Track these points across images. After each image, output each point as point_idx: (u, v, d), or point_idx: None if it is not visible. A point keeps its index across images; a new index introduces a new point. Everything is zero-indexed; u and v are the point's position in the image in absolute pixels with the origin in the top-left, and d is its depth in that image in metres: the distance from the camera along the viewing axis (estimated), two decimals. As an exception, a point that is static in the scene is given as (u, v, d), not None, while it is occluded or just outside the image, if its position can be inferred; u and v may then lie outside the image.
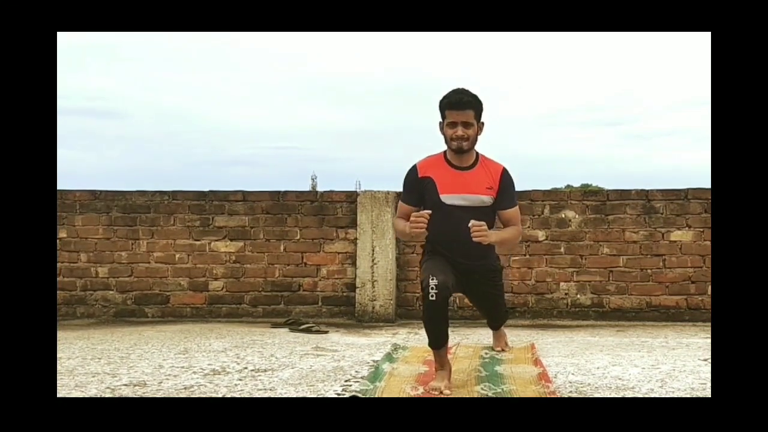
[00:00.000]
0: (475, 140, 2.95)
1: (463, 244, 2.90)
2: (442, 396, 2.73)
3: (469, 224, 2.82)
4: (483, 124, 2.97)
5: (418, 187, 3.01)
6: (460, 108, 2.88)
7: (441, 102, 2.95)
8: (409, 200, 3.06)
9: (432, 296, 2.76)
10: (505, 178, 3.01)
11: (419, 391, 2.80)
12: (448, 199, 2.95)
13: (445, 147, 3.03)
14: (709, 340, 4.18)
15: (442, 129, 2.97)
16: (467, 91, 2.93)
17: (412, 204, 3.05)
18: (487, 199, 2.97)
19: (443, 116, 2.95)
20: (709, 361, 3.48)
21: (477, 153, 3.02)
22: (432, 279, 2.77)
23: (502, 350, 3.68)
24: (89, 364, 3.46)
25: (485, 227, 2.84)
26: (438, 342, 2.89)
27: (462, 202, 2.95)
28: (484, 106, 2.96)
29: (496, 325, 3.72)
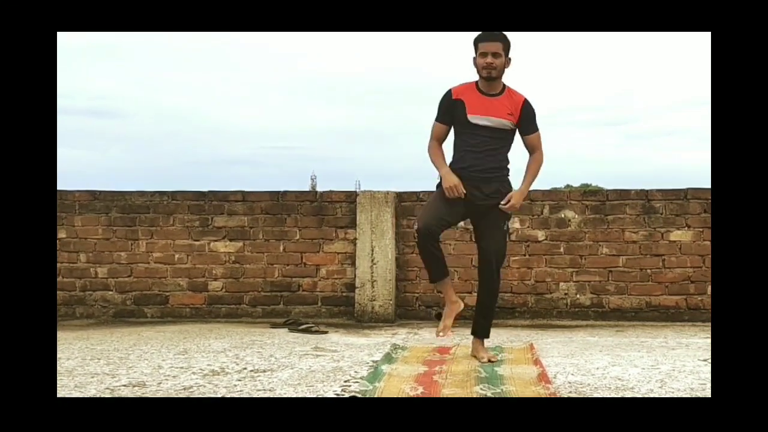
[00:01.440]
0: (503, 71, 3.38)
1: (482, 161, 3.38)
2: (446, 334, 3.46)
3: (503, 202, 3.39)
4: (510, 59, 3.39)
5: (451, 108, 3.43)
6: (491, 39, 3.32)
7: (475, 38, 3.36)
8: (443, 120, 3.48)
9: (416, 238, 3.43)
10: (526, 107, 3.41)
11: (418, 392, 2.79)
12: (474, 119, 3.37)
13: (476, 77, 3.43)
14: (709, 341, 4.18)
15: (474, 62, 3.39)
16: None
17: (446, 123, 3.47)
18: (507, 123, 3.39)
19: (476, 49, 3.36)
20: (709, 361, 3.48)
21: (504, 84, 3.43)
22: (415, 225, 3.45)
23: (490, 360, 3.41)
24: (89, 364, 3.45)
25: (513, 205, 3.42)
26: (433, 275, 3.48)
27: (486, 122, 3.38)
28: (511, 45, 3.38)
29: (483, 293, 3.51)
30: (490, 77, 3.35)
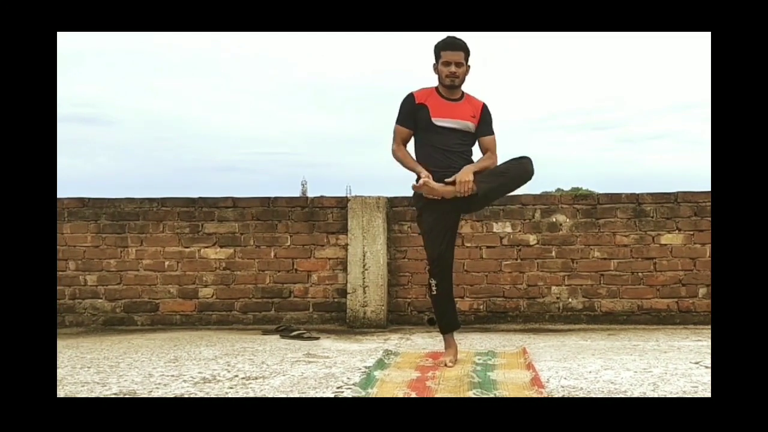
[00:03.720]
0: (464, 79, 3.49)
1: (449, 159, 3.43)
2: (448, 367, 3.37)
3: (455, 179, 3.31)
4: (469, 66, 3.50)
5: (414, 112, 3.48)
6: (454, 49, 3.43)
7: (437, 45, 3.46)
8: (407, 123, 3.52)
9: (434, 291, 3.51)
10: (485, 111, 3.54)
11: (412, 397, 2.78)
12: (438, 121, 3.46)
13: (435, 83, 3.52)
14: (701, 343, 4.19)
15: (435, 69, 3.50)
16: (458, 37, 3.47)
17: (410, 127, 3.52)
18: (470, 125, 3.50)
19: (438, 57, 3.46)
20: (701, 364, 3.49)
21: (462, 91, 3.54)
22: (432, 280, 3.51)
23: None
24: (78, 373, 3.42)
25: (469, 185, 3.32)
26: (444, 328, 3.60)
27: (452, 125, 3.47)
28: (471, 52, 3.50)
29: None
30: (453, 85, 3.45)
